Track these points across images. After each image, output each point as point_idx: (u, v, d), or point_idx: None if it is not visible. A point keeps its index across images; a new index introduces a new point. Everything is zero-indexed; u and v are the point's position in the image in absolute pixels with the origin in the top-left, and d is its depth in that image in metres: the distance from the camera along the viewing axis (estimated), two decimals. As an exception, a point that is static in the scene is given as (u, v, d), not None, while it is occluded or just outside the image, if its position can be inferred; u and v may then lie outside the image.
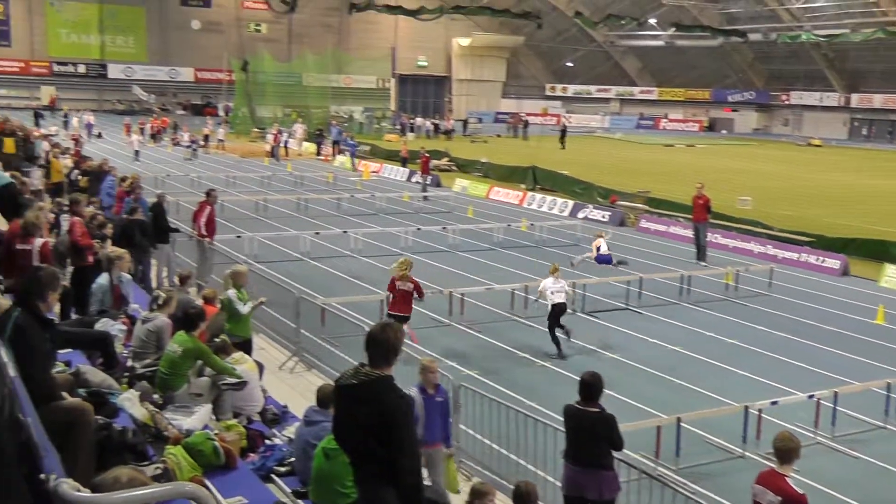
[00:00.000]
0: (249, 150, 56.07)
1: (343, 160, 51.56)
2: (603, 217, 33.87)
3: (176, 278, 15.20)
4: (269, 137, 53.71)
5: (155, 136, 59.88)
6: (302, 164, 49.78)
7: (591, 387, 8.87)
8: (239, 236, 25.36)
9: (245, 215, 31.58)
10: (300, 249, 25.40)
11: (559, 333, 17.18)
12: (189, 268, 17.08)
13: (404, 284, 16.42)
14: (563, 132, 66.66)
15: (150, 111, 76.66)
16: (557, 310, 17.20)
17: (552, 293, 17.23)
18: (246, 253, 23.93)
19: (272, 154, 51.76)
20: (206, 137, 56.01)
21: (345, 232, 27.22)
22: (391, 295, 16.50)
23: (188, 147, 52.17)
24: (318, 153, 55.67)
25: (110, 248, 14.03)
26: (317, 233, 27.25)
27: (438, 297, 19.68)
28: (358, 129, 70.71)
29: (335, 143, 55.09)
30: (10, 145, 29.61)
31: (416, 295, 16.43)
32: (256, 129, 66.14)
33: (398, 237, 27.35)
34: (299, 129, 60.49)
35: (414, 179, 43.48)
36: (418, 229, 28.78)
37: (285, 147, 53.53)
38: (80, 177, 25.60)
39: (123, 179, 22.97)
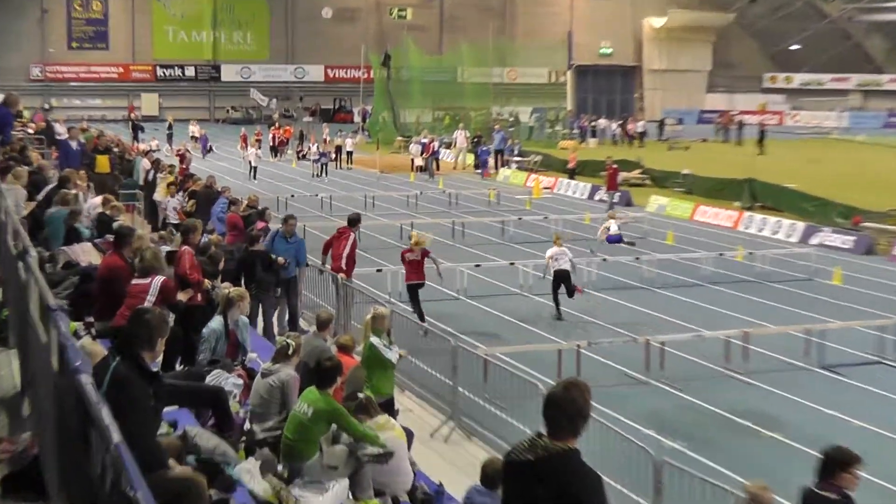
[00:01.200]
0: (391, 163, 57.09)
1: (508, 174, 51.95)
2: (843, 243, 32.86)
3: (309, 325, 15.45)
4: (415, 148, 54.65)
5: (276, 150, 61.86)
6: (457, 180, 50.34)
7: (824, 462, 8.50)
8: (380, 270, 25.65)
9: (387, 244, 31.96)
10: (456, 286, 25.50)
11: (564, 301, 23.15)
12: (325, 309, 17.32)
13: (414, 255, 21.29)
14: (762, 134, 65.01)
15: (271, 119, 78.60)
16: (559, 276, 22.94)
17: (554, 259, 23.00)
18: (388, 290, 24.21)
19: (424, 168, 52.76)
20: (339, 149, 57.49)
21: (511, 264, 27.26)
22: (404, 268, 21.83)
23: (317, 161, 53.59)
24: (477, 166, 56.21)
25: (225, 285, 14.38)
26: (477, 265, 27.37)
27: (632, 346, 19.40)
28: (526, 134, 70.96)
29: (498, 152, 55.49)
30: (103, 163, 30.85)
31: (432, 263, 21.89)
32: (401, 137, 67.04)
33: (579, 270, 27.18)
34: (460, 135, 60.52)
35: (598, 197, 43.28)
36: (604, 260, 28.57)
37: (436, 159, 54.33)
38: (186, 199, 26.47)
39: (234, 202, 23.63)
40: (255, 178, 48.78)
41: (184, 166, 36.78)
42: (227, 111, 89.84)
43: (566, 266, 23.00)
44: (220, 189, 25.78)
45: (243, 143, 58.41)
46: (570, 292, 23.07)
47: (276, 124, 68.86)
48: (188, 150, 46.69)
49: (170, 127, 64.29)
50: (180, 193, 27.04)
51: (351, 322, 19.58)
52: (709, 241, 33.83)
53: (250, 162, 50.52)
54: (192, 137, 61.95)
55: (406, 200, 41.84)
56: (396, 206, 41.12)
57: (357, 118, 79.36)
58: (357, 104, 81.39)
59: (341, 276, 20.57)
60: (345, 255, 20.98)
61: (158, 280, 11.61)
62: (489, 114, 71.86)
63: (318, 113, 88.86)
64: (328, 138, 58.37)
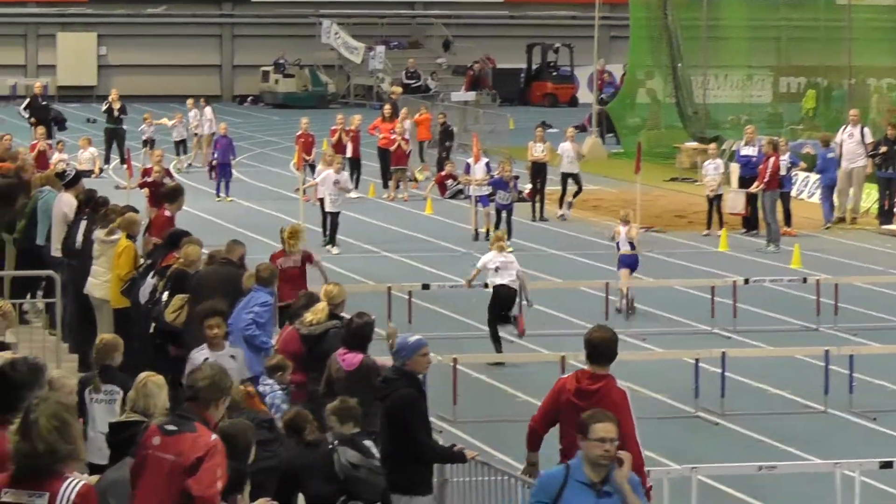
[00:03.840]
0: (669, 206, 29.45)
1: None
2: None
3: None
4: (719, 168, 26.59)
5: (386, 169, 31.62)
6: (840, 255, 24.55)
7: None
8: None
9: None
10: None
11: (503, 330, 16.29)
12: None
13: (288, 260, 14.40)
14: None
15: (377, 97, 48.69)
16: (502, 295, 15.82)
17: (496, 270, 16.15)
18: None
19: (752, 222, 26.24)
20: (538, 170, 28.14)
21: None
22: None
23: (484, 199, 25.81)
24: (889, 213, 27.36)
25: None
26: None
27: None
28: None
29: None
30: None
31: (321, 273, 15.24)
32: (697, 142, 34.97)
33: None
34: (849, 138, 27.81)
35: None
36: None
37: (781, 198, 25.72)
38: (161, 289, 12.36)
39: (305, 305, 11.50)
40: (333, 241, 24.29)
41: (165, 211, 16.85)
42: (267, 78, 49.83)
43: (508, 280, 16.24)
44: (256, 271, 12.22)
45: (303, 154, 29.55)
46: (508, 318, 16.21)
47: (388, 110, 33.10)
48: (168, 170, 26.00)
49: (115, 114, 34.09)
50: (150, 276, 13.26)
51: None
52: None
53: (321, 201, 24.67)
54: (193, 140, 35.07)
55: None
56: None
57: (586, 94, 46.57)
58: (585, 59, 45.85)
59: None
60: None
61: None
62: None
63: (486, 82, 48.87)
64: (507, 153, 29.13)
